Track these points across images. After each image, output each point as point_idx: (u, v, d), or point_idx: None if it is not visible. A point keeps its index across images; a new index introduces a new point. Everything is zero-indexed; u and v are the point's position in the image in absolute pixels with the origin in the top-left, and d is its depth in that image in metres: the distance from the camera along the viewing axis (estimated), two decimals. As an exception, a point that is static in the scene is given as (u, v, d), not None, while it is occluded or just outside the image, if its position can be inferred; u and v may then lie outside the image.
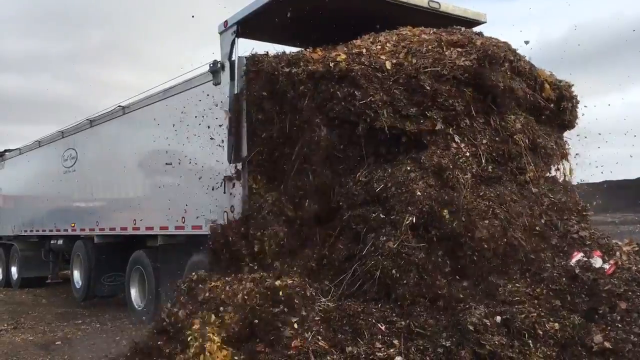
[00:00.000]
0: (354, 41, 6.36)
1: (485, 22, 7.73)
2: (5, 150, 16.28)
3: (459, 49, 5.95)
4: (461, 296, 4.86)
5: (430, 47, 5.97)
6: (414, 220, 5.09)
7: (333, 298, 5.07)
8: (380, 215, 5.29)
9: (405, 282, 4.89)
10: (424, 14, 6.99)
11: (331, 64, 5.97)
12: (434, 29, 6.43)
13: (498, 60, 5.84)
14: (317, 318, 4.78)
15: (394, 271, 4.93)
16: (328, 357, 4.40)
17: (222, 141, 7.11)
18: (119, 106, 10.16)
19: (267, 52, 7.08)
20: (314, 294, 5.07)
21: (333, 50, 6.29)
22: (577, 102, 6.84)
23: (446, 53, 5.89)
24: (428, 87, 5.62)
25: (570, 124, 6.84)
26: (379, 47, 6.11)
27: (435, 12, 7.14)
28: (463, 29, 6.60)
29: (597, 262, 5.12)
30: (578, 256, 5.22)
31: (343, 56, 6.01)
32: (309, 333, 4.61)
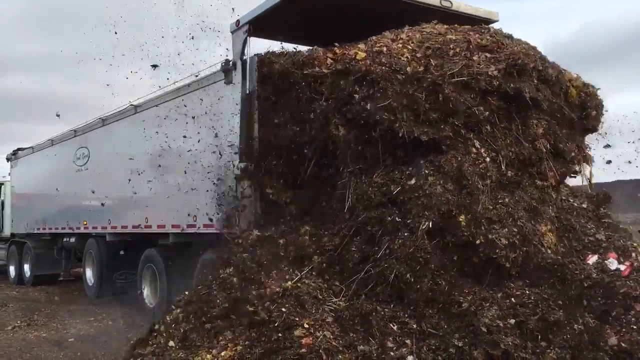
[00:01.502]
0: (374, 38, 6.19)
1: (497, 21, 7.69)
2: (18, 149, 16.37)
3: (488, 54, 5.78)
4: (477, 301, 4.76)
5: (457, 49, 5.78)
6: (430, 225, 5.01)
7: (345, 298, 5.06)
8: (397, 218, 5.20)
9: (419, 287, 4.85)
10: (436, 12, 6.95)
11: (350, 63, 5.82)
12: (461, 27, 6.30)
13: (527, 71, 5.73)
14: (328, 319, 4.77)
15: (408, 275, 4.88)
16: (339, 356, 4.41)
17: (234, 140, 7.13)
18: (131, 105, 10.21)
19: (283, 50, 7.07)
20: (325, 295, 5.07)
21: (352, 47, 6.13)
22: (602, 107, 6.74)
23: (474, 58, 5.71)
24: (453, 97, 5.47)
25: (593, 128, 6.74)
26: (401, 45, 5.92)
27: (447, 11, 7.11)
28: (492, 29, 6.50)
29: (612, 264, 5.07)
30: (593, 258, 5.16)
31: (362, 54, 5.85)
32: (320, 332, 4.61)
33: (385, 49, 5.86)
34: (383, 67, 5.60)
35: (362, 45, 6.04)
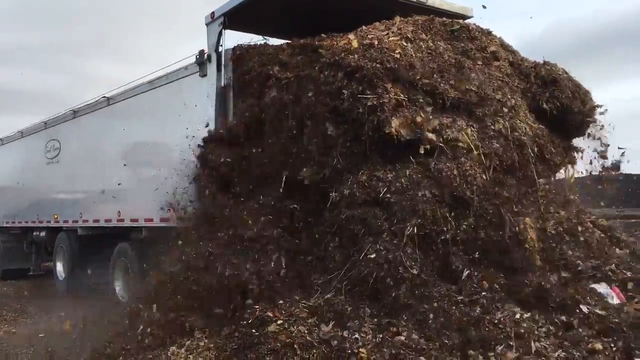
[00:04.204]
0: (365, 28, 6.12)
1: (472, 17, 7.75)
2: (-13, 141, 16.00)
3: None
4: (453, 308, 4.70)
5: (452, 59, 5.96)
6: (415, 230, 4.95)
7: (322, 295, 5.03)
8: (380, 221, 5.08)
9: (394, 294, 4.79)
10: (412, 7, 6.97)
11: (339, 55, 5.67)
12: (457, 21, 6.48)
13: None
14: (303, 315, 4.77)
15: (388, 279, 4.83)
16: (314, 351, 4.42)
17: (208, 134, 7.06)
18: (103, 97, 10.06)
19: (266, 41, 7.03)
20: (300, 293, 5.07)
21: (343, 38, 5.97)
22: (593, 108, 6.88)
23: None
24: (448, 99, 5.54)
25: (581, 131, 6.90)
26: (394, 38, 5.86)
27: (422, 7, 7.14)
28: (474, 25, 6.69)
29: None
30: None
31: (355, 44, 5.72)
32: (295, 327, 4.62)
33: (376, 42, 5.76)
34: (375, 64, 5.50)
35: (352, 36, 5.93)
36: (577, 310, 4.56)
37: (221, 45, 7.13)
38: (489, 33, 6.84)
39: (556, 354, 4.11)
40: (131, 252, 9.37)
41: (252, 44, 7.25)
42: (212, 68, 7.18)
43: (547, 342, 4.22)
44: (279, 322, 4.68)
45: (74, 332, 7.49)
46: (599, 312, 4.54)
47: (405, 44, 5.90)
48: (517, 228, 5.21)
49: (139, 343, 5.26)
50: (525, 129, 5.92)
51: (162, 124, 8.33)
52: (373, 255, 4.92)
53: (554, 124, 6.57)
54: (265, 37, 7.51)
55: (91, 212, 10.52)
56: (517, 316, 4.49)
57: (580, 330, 4.38)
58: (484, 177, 5.39)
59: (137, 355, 5.07)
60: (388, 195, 5.18)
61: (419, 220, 4.98)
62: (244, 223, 5.85)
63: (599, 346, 4.17)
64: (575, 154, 6.98)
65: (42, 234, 13.03)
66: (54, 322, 9.21)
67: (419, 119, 5.37)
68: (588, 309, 4.57)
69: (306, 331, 4.59)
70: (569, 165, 6.82)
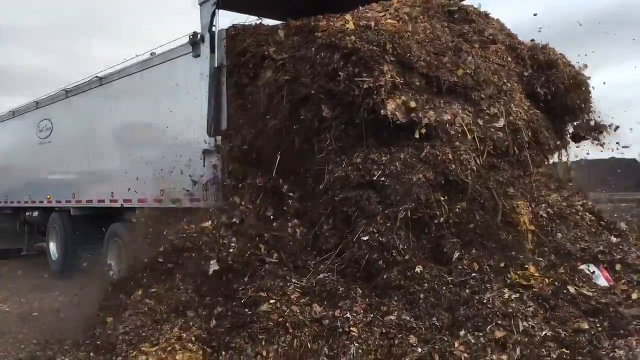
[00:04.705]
0: (362, 9, 6.10)
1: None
2: (-22, 120, 15.89)
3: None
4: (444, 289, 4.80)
5: (449, 42, 5.95)
6: (409, 214, 5.00)
7: (315, 275, 5.09)
8: (374, 204, 5.12)
9: (385, 276, 4.87)
10: None
11: (336, 36, 5.62)
12: (455, 2, 6.53)
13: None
14: (294, 295, 4.83)
15: (380, 262, 4.90)
16: (306, 329, 4.48)
17: (202, 114, 7.06)
18: (95, 77, 9.99)
19: (261, 22, 7.00)
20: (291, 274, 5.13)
21: (339, 19, 5.91)
22: (589, 93, 6.93)
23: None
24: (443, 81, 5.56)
25: (576, 116, 6.95)
26: (391, 20, 5.83)
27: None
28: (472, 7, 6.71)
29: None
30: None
31: (351, 25, 5.67)
32: (287, 307, 4.67)
33: (373, 23, 5.70)
34: (371, 46, 5.47)
35: (348, 17, 5.88)
36: (565, 291, 4.64)
37: (214, 26, 7.09)
38: (487, 15, 6.83)
39: (543, 333, 4.19)
40: (124, 232, 9.38)
41: (246, 24, 7.21)
42: (205, 49, 7.14)
43: (534, 322, 4.31)
44: (271, 301, 4.73)
45: (68, 311, 7.53)
46: (586, 292, 4.62)
47: (402, 25, 5.88)
48: (509, 211, 5.28)
49: (132, 322, 5.29)
50: (520, 113, 5.95)
51: (155, 105, 8.30)
52: (366, 238, 4.97)
53: (549, 108, 6.62)
54: (260, 17, 7.47)
55: (84, 192, 10.52)
56: (506, 296, 4.57)
57: (567, 310, 4.46)
58: (478, 161, 5.43)
59: (130, 334, 5.11)
60: (382, 179, 5.20)
61: (413, 204, 5.02)
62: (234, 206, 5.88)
63: (584, 325, 4.26)
64: (569, 139, 7.04)
65: (35, 214, 13.02)
66: (48, 301, 9.28)
67: (413, 104, 5.38)
68: (575, 289, 4.65)
69: (298, 311, 4.65)
70: (563, 150, 6.87)
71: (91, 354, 4.85)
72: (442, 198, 5.15)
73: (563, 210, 5.81)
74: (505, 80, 6.16)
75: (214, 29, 7.09)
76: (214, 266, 5.20)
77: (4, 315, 8.42)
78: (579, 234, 5.52)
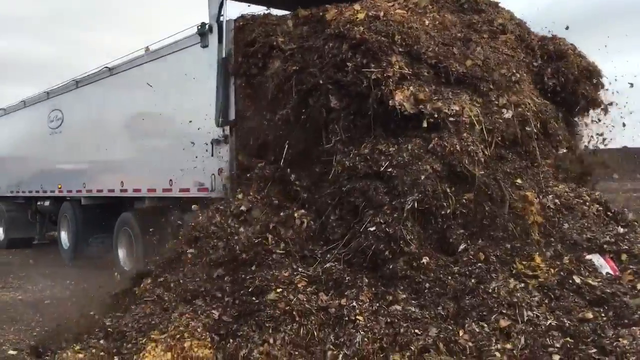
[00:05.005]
0: None
1: None
2: (-11, 110, 16.04)
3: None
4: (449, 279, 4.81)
5: (458, 32, 5.98)
6: (416, 205, 5.01)
7: (321, 264, 5.13)
8: (381, 194, 5.14)
9: (391, 266, 4.90)
10: None
11: (345, 26, 5.64)
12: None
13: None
14: (301, 284, 4.88)
15: (387, 252, 4.92)
16: (312, 318, 4.53)
17: (210, 104, 7.10)
18: (105, 67, 10.06)
19: (269, 12, 7.03)
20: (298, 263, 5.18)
21: (348, 9, 5.92)
22: (602, 87, 6.92)
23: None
24: (452, 73, 5.56)
25: (585, 107, 6.94)
26: (400, 10, 5.84)
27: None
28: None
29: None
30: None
31: (361, 15, 5.67)
32: (294, 296, 4.73)
33: (382, 13, 5.71)
34: (380, 37, 5.48)
35: (357, 7, 5.89)
36: (570, 281, 4.65)
37: (222, 16, 7.11)
38: (497, 5, 6.81)
39: (547, 322, 4.22)
40: (134, 221, 9.48)
41: (255, 14, 7.23)
42: (213, 39, 7.17)
43: (539, 311, 4.33)
44: (278, 290, 4.79)
45: (79, 299, 7.64)
46: (591, 282, 4.64)
47: (411, 16, 5.88)
48: (517, 202, 5.29)
49: (141, 310, 5.37)
50: (529, 104, 5.94)
51: (164, 95, 8.36)
52: (373, 228, 5.00)
53: (559, 99, 6.60)
54: (269, 7, 7.48)
55: (94, 182, 10.63)
56: (511, 286, 4.59)
57: (572, 299, 4.48)
58: (486, 152, 5.44)
59: (140, 321, 5.19)
60: (390, 169, 5.22)
61: (420, 195, 5.04)
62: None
63: (589, 315, 4.28)
64: (579, 129, 7.02)
65: (47, 203, 13.17)
66: (59, 289, 9.40)
67: (421, 96, 5.39)
68: (580, 279, 4.66)
69: (305, 299, 4.70)
70: (572, 140, 6.85)
71: (101, 341, 4.92)
72: (449, 189, 5.17)
73: (570, 200, 5.79)
74: (514, 71, 6.15)
75: (221, 19, 7.11)
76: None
77: (17, 303, 8.55)
78: (586, 224, 5.51)
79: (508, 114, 5.73)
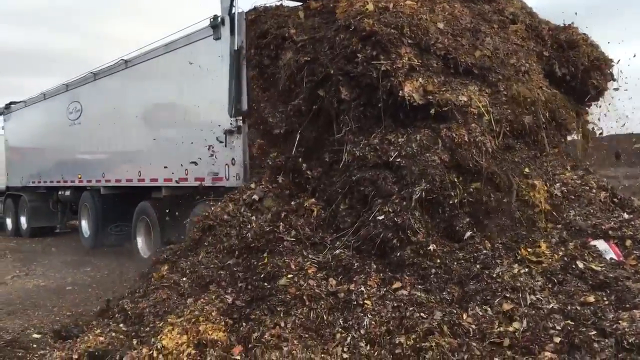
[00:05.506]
0: None
1: None
2: (11, 103, 16.32)
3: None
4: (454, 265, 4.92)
5: (468, 23, 6.04)
6: (424, 195, 5.11)
7: (331, 251, 5.27)
8: (390, 184, 5.24)
9: (399, 254, 5.00)
10: None
11: (355, 18, 5.71)
12: None
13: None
14: (311, 270, 5.03)
15: (395, 241, 5.03)
16: (322, 302, 4.69)
17: (223, 95, 7.24)
18: (121, 60, 10.24)
19: (281, 3, 7.13)
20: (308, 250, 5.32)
21: (358, 0, 5.96)
22: (611, 78, 6.95)
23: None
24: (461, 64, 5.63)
25: (595, 97, 6.98)
26: (410, 2, 5.88)
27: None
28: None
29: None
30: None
31: (371, 7, 5.75)
32: (305, 281, 4.88)
33: (392, 5, 5.78)
34: (390, 29, 5.56)
35: None
36: (573, 266, 4.75)
37: (234, 7, 7.22)
38: None
39: (549, 305, 4.32)
40: (152, 210, 9.70)
41: (266, 5, 7.34)
42: (225, 31, 7.29)
43: (542, 295, 4.43)
44: (289, 276, 4.95)
45: (100, 285, 7.86)
46: (594, 267, 4.73)
47: (421, 7, 5.93)
48: (525, 191, 5.38)
49: (159, 295, 5.57)
50: (538, 93, 5.98)
51: (178, 87, 8.52)
52: (381, 217, 5.11)
53: (568, 87, 6.63)
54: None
55: (113, 172, 10.86)
56: (515, 271, 4.70)
57: (575, 284, 4.58)
58: (494, 142, 5.51)
59: (157, 306, 5.38)
60: (399, 159, 5.32)
61: (427, 185, 5.13)
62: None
63: (591, 299, 4.38)
64: (588, 118, 7.06)
65: (67, 193, 13.47)
66: (80, 276, 9.68)
67: (430, 87, 5.47)
68: (584, 264, 4.76)
69: (315, 284, 4.85)
70: (581, 129, 6.89)
71: (121, 325, 5.11)
72: (457, 179, 5.26)
73: (577, 188, 5.87)
74: (523, 61, 6.19)
75: (234, 10, 7.23)
76: None
77: (40, 289, 8.83)
78: (592, 210, 5.58)
79: (516, 104, 5.79)
